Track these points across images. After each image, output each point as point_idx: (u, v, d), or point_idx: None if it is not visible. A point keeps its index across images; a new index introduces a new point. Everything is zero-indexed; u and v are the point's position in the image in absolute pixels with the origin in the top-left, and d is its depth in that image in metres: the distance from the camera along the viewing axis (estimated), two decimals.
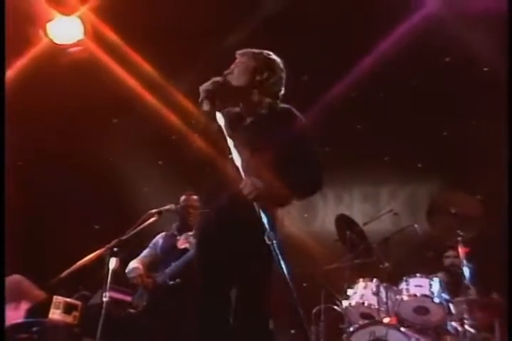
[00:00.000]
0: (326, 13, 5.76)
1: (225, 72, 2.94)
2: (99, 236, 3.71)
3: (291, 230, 5.21)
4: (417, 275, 4.62)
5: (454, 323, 4.41)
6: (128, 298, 4.71)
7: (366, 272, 4.94)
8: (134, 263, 4.58)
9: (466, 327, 4.26)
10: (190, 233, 4.40)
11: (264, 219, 2.54)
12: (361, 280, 4.81)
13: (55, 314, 4.51)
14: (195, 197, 4.56)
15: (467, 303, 4.36)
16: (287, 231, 3.31)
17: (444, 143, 6.30)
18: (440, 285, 4.53)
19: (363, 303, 4.64)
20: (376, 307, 4.57)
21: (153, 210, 3.77)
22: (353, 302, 4.67)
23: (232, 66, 2.98)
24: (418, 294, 4.47)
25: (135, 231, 3.61)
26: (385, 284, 4.66)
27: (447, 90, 6.01)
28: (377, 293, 4.61)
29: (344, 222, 5.16)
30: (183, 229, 4.58)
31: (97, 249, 3.50)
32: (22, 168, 6.71)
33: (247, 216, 2.62)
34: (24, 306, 4.75)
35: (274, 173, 2.72)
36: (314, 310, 5.06)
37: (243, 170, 2.64)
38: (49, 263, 5.02)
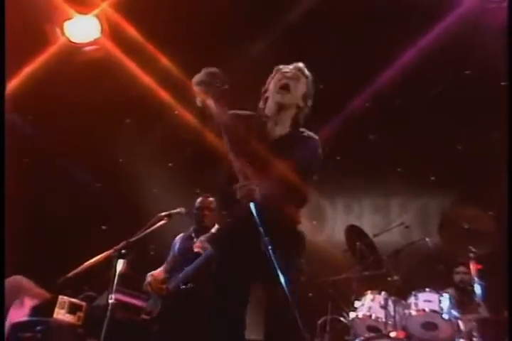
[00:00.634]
0: (344, 20, 5.73)
1: (280, 88, 2.86)
2: (106, 237, 3.68)
3: None
4: (427, 289, 4.54)
5: None
6: (138, 303, 4.67)
7: (375, 284, 4.88)
8: (154, 271, 4.55)
9: None
10: (204, 237, 4.34)
11: (260, 224, 2.47)
12: (369, 292, 4.73)
13: (60, 314, 4.51)
14: (211, 199, 4.52)
15: (477, 321, 4.30)
16: None
17: (458, 156, 6.25)
18: (450, 301, 4.45)
19: (370, 316, 4.56)
20: (383, 320, 4.49)
21: (163, 213, 3.74)
22: (360, 315, 4.60)
23: (287, 81, 2.88)
24: (427, 309, 4.39)
25: (144, 233, 3.58)
26: (393, 298, 4.60)
27: (464, 103, 5.96)
28: (385, 307, 4.54)
29: (354, 233, 5.13)
30: (199, 231, 4.53)
31: (104, 250, 3.47)
32: (29, 165, 6.71)
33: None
34: (28, 303, 4.75)
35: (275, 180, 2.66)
36: (320, 321, 5.01)
37: (239, 172, 2.60)
38: (54, 264, 4.98)
